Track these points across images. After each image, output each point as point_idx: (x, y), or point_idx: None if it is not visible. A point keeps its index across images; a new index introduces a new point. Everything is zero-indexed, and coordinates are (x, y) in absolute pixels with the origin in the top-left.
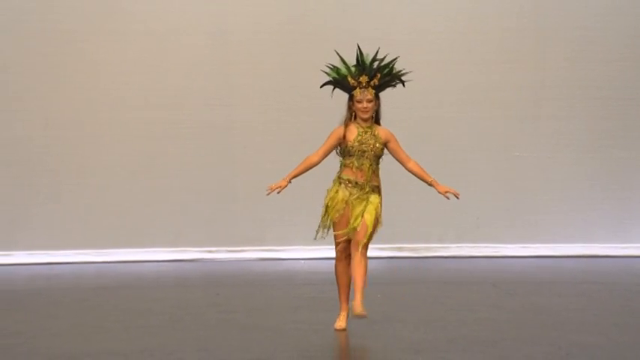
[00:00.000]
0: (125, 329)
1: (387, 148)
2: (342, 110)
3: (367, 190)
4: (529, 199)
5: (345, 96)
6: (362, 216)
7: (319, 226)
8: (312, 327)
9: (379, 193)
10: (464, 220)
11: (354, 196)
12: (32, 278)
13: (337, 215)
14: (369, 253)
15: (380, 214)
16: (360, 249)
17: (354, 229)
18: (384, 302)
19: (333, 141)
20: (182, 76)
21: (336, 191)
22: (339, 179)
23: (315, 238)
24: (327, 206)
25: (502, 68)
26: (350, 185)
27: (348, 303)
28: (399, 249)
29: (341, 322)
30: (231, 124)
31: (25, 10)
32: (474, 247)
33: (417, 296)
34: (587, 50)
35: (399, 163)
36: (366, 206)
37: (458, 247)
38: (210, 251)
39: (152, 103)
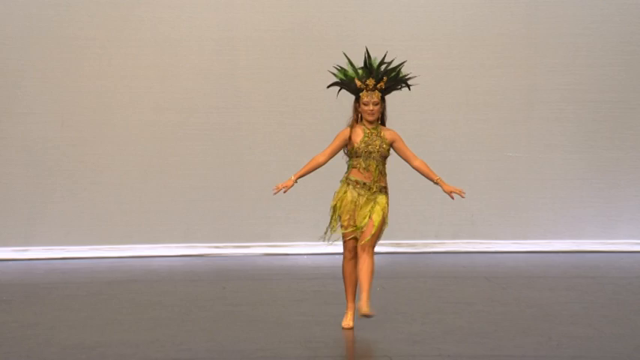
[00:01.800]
0: (137, 321)
1: (393, 148)
2: (342, 112)
3: (374, 190)
4: (522, 197)
5: (350, 98)
6: (369, 217)
7: (328, 228)
8: (315, 319)
9: (386, 193)
10: (459, 218)
11: (363, 197)
12: (48, 272)
13: (347, 216)
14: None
15: (387, 215)
16: (366, 249)
17: (360, 229)
18: (384, 296)
19: (339, 142)
20: (191, 80)
21: (345, 192)
22: (347, 180)
23: (324, 240)
24: (334, 207)
25: (496, 73)
26: (358, 186)
27: (354, 302)
28: (398, 245)
29: (348, 321)
30: (237, 126)
31: (42, 18)
32: (469, 243)
33: (414, 290)
34: (577, 56)
35: (400, 163)
36: (373, 207)
37: (454, 243)
38: (217, 247)
39: (163, 106)
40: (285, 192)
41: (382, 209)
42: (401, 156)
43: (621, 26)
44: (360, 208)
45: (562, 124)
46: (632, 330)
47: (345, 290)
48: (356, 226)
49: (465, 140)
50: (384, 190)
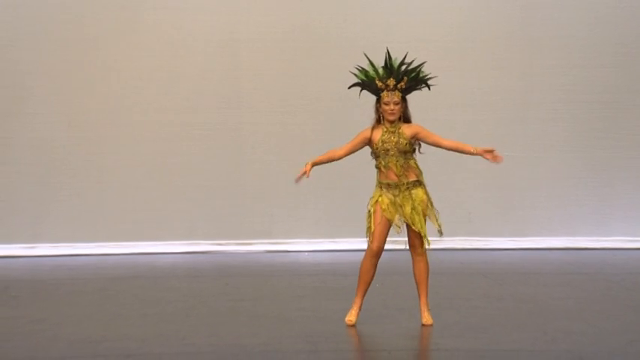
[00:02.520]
0: (142, 316)
1: (419, 140)
2: (343, 112)
3: (404, 187)
4: (518, 196)
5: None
6: (413, 217)
7: (368, 232)
8: (316, 315)
9: (421, 185)
10: (457, 215)
11: (399, 197)
12: (55, 269)
13: (392, 217)
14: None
15: (427, 206)
16: (419, 252)
17: (411, 225)
18: (384, 291)
19: (358, 140)
20: (195, 81)
21: (380, 195)
22: (379, 184)
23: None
24: (369, 212)
25: (493, 74)
26: (391, 188)
27: (362, 299)
28: (396, 242)
29: (351, 317)
30: (240, 126)
31: (49, 20)
32: (466, 240)
33: (413, 286)
34: (571, 57)
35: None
36: (413, 205)
37: (451, 240)
38: (220, 244)
39: (167, 106)
40: (307, 177)
41: (420, 204)
42: (430, 144)
43: (615, 28)
44: (402, 207)
45: (557, 124)
46: (626, 325)
47: (357, 286)
48: (409, 223)
49: (462, 140)
50: (417, 183)
